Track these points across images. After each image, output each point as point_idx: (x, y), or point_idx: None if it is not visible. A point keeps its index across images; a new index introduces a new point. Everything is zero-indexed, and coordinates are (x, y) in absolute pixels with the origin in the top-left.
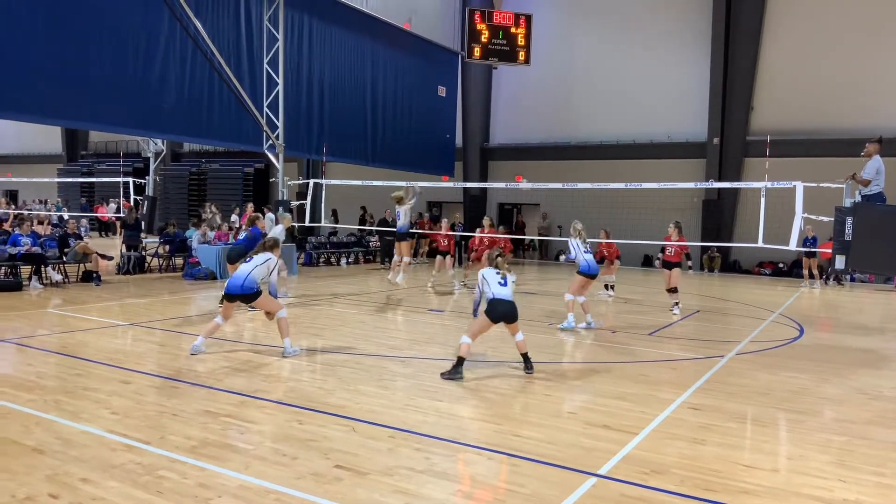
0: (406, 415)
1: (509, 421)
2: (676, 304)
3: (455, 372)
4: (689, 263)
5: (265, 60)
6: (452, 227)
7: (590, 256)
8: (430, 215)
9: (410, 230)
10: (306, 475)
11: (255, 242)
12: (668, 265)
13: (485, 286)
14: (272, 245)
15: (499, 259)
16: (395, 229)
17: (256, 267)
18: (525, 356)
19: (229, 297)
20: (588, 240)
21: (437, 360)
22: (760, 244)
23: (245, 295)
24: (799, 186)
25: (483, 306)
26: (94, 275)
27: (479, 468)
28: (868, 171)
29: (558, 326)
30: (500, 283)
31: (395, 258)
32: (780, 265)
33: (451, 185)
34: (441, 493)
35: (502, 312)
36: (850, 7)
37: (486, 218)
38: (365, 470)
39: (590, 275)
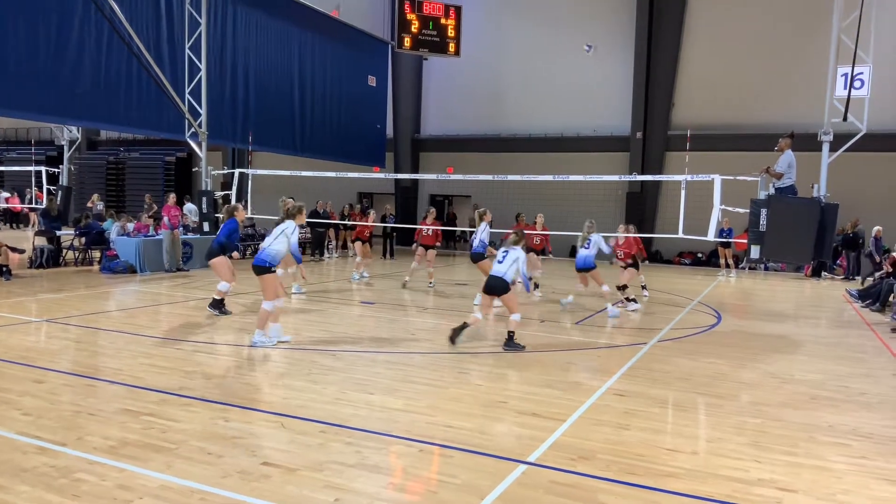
0: (337, 408)
1: (441, 412)
2: (630, 299)
3: (455, 334)
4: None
5: (187, 46)
6: (384, 219)
7: (583, 251)
8: (361, 206)
9: (484, 252)
10: (233, 473)
11: (234, 234)
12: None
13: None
14: (295, 212)
15: (513, 237)
16: (324, 222)
17: (275, 239)
18: (510, 334)
19: (254, 268)
20: (589, 238)
21: (369, 352)
22: (681, 235)
23: (256, 266)
24: (717, 179)
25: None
26: (4, 268)
27: (410, 460)
28: (781, 165)
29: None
30: (498, 260)
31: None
32: (699, 255)
33: (382, 175)
34: (373, 486)
35: (490, 286)
36: (767, 8)
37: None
38: (294, 466)
39: (577, 268)
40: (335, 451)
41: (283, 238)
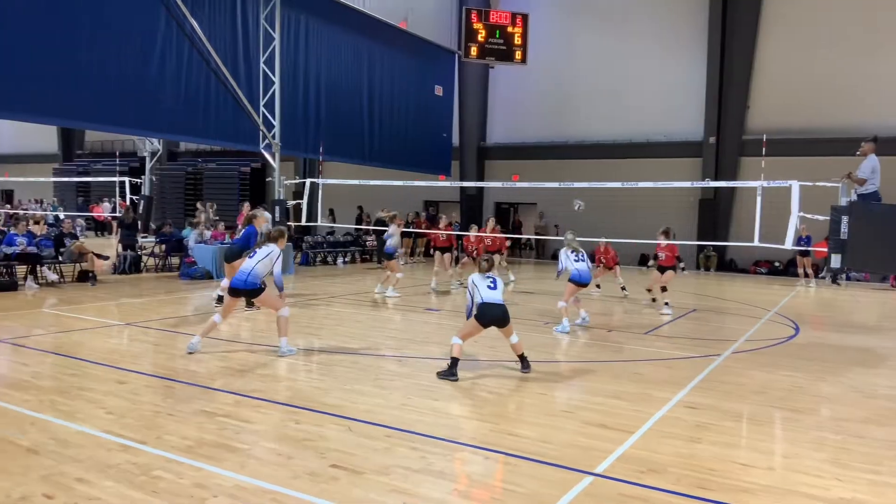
0: (402, 414)
1: (505, 420)
2: (666, 303)
3: (450, 373)
4: (682, 265)
5: (261, 60)
6: (449, 226)
7: (581, 265)
8: (427, 214)
9: (395, 253)
10: (302, 475)
11: (251, 241)
12: (662, 269)
13: (474, 291)
14: (277, 236)
15: (484, 263)
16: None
17: (260, 261)
18: (522, 357)
19: (233, 291)
20: (580, 249)
21: (434, 359)
22: (756, 243)
23: (249, 290)
24: (795, 185)
25: (474, 310)
26: (90, 274)
27: (475, 467)
28: (864, 170)
29: (554, 330)
30: (489, 286)
31: (388, 274)
32: (776, 264)
33: (447, 184)
34: (438, 492)
35: (492, 317)
36: (847, 6)
37: (472, 226)
38: (361, 469)
39: (581, 283)
40: (400, 456)
41: (267, 261)
